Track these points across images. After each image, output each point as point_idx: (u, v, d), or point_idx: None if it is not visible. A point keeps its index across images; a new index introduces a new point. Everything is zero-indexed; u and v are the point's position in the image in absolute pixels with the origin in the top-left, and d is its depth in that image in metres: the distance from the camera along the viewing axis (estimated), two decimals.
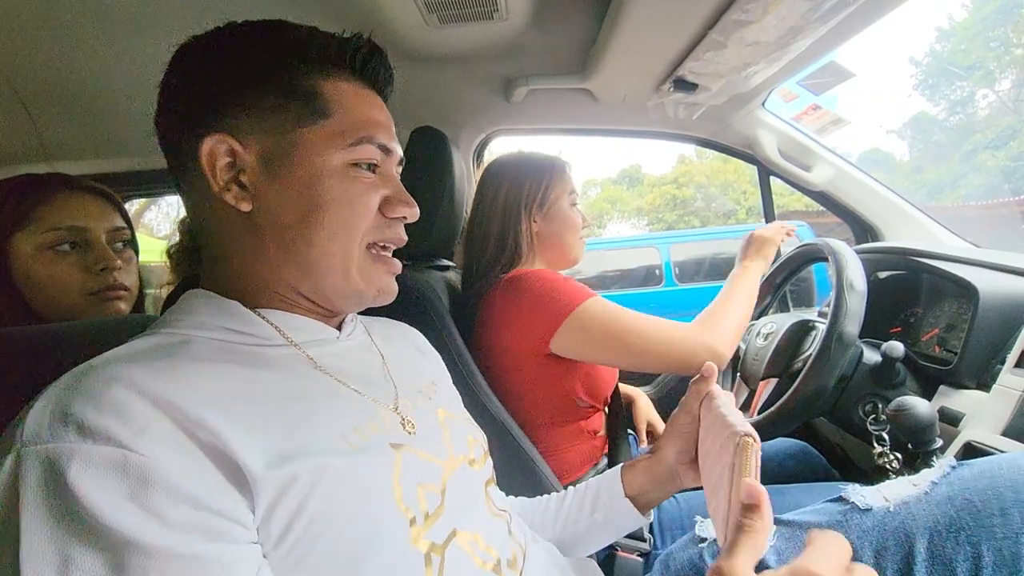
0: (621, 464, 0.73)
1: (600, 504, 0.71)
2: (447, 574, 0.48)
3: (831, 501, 0.66)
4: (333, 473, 0.44)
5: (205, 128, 0.51)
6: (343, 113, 0.54)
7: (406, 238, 0.61)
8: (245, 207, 0.52)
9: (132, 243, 1.00)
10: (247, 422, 0.43)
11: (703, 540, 0.70)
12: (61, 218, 0.88)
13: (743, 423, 0.51)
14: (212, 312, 0.52)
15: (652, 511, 0.72)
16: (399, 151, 0.60)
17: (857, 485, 0.65)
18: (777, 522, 0.65)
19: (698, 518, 0.73)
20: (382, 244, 0.58)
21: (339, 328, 0.61)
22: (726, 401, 0.59)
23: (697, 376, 0.65)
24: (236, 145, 0.52)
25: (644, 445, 1.33)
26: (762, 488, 0.41)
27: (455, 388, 0.76)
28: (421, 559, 0.47)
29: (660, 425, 1.41)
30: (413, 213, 0.59)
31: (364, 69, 0.58)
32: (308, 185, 0.52)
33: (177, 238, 1.13)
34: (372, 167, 0.56)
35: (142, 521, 0.36)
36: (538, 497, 0.77)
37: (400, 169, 0.62)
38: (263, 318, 0.53)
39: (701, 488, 0.62)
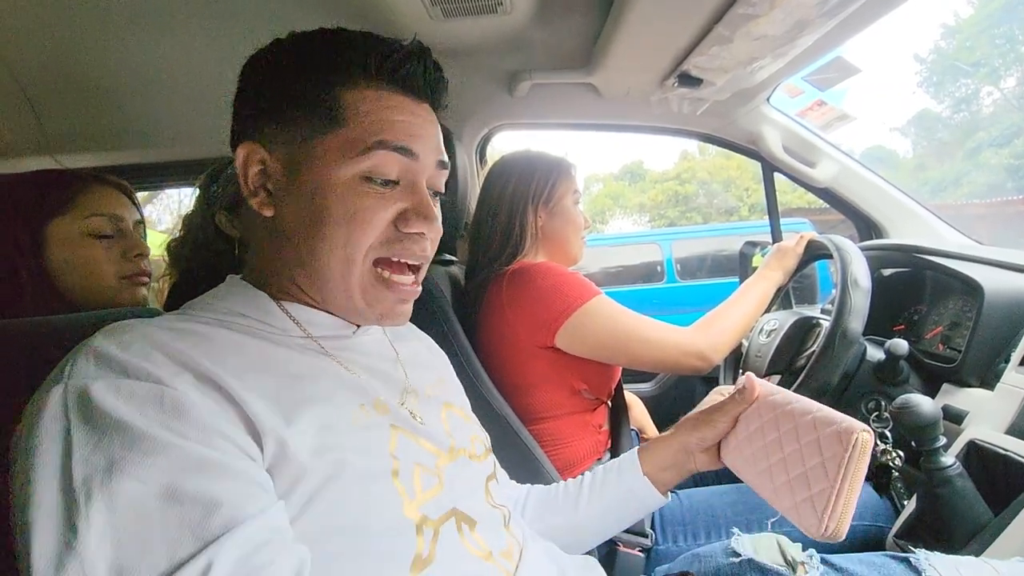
0: (636, 447, 0.75)
1: (623, 480, 0.73)
2: (440, 548, 0.50)
3: (894, 559, 0.67)
4: (335, 444, 0.47)
5: (242, 137, 0.56)
6: (357, 121, 0.53)
7: (427, 254, 0.58)
8: (267, 212, 0.55)
9: (145, 238, 1.04)
10: (257, 388, 0.46)
11: (737, 555, 0.71)
12: (101, 207, 0.94)
13: (851, 419, 0.55)
14: (241, 301, 0.55)
15: (668, 494, 0.74)
16: (432, 156, 0.57)
17: (927, 552, 0.65)
18: (824, 562, 0.66)
19: (735, 531, 0.74)
20: (395, 260, 0.56)
21: (357, 326, 0.62)
22: (806, 401, 0.62)
23: (740, 387, 0.68)
24: (264, 153, 0.55)
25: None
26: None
27: (460, 385, 0.77)
28: (412, 528, 0.49)
29: (651, 431, 1.43)
30: (433, 229, 0.56)
31: (394, 76, 0.55)
32: (314, 196, 0.53)
33: (179, 233, 1.14)
34: (388, 182, 0.54)
35: (176, 437, 0.39)
36: (553, 484, 0.79)
37: (443, 175, 0.60)
38: (286, 312, 0.56)
39: (712, 469, 0.71)
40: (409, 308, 0.60)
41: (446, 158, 0.60)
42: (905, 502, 0.93)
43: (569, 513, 0.73)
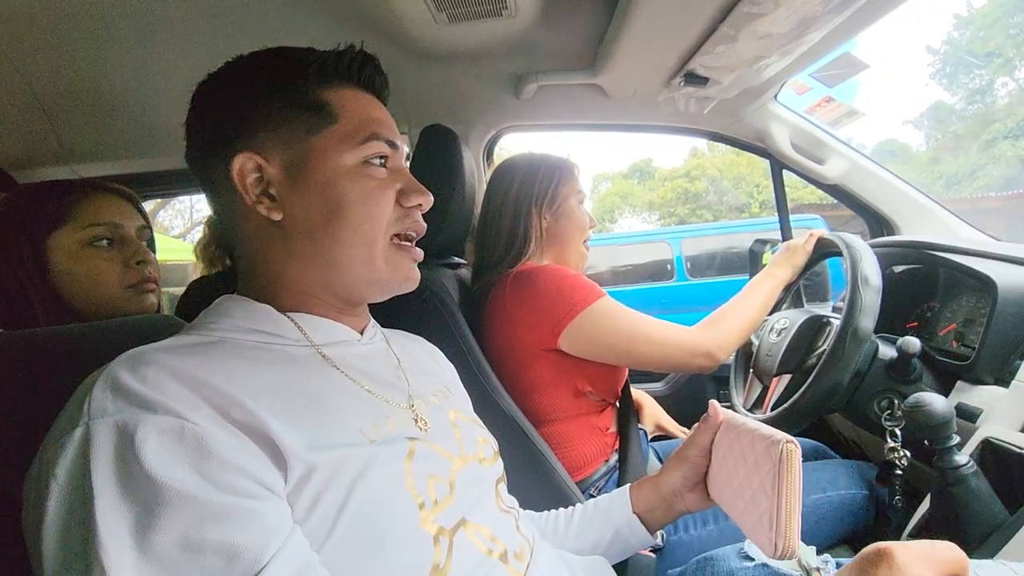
0: (628, 484, 0.75)
1: (610, 519, 0.73)
2: (455, 556, 0.51)
3: None
4: (352, 462, 0.47)
5: (232, 150, 0.56)
6: (348, 116, 0.58)
7: (425, 224, 0.64)
8: (276, 216, 0.56)
9: (152, 242, 1.04)
10: (276, 411, 0.46)
11: (750, 559, 0.71)
12: (99, 215, 0.93)
13: (780, 433, 0.54)
14: (244, 316, 0.56)
15: (659, 533, 0.73)
16: (404, 146, 0.64)
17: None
18: (838, 567, 0.65)
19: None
20: (405, 235, 0.61)
21: (361, 332, 0.64)
22: (752, 421, 0.61)
23: (704, 415, 0.68)
24: (261, 160, 0.56)
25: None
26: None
27: (466, 392, 0.78)
28: (430, 540, 0.49)
29: (670, 425, 1.43)
30: (428, 200, 0.62)
31: (361, 76, 0.61)
32: (327, 187, 0.56)
33: (195, 236, 1.17)
34: (383, 161, 0.60)
35: (198, 480, 0.40)
36: (544, 512, 0.78)
37: (408, 164, 0.65)
38: (292, 320, 0.57)
39: (702, 510, 0.71)
40: (418, 272, 0.64)
41: (407, 148, 0.66)
42: (896, 499, 0.93)
43: (558, 545, 0.73)
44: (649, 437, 1.38)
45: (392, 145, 0.61)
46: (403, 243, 0.62)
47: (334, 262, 0.57)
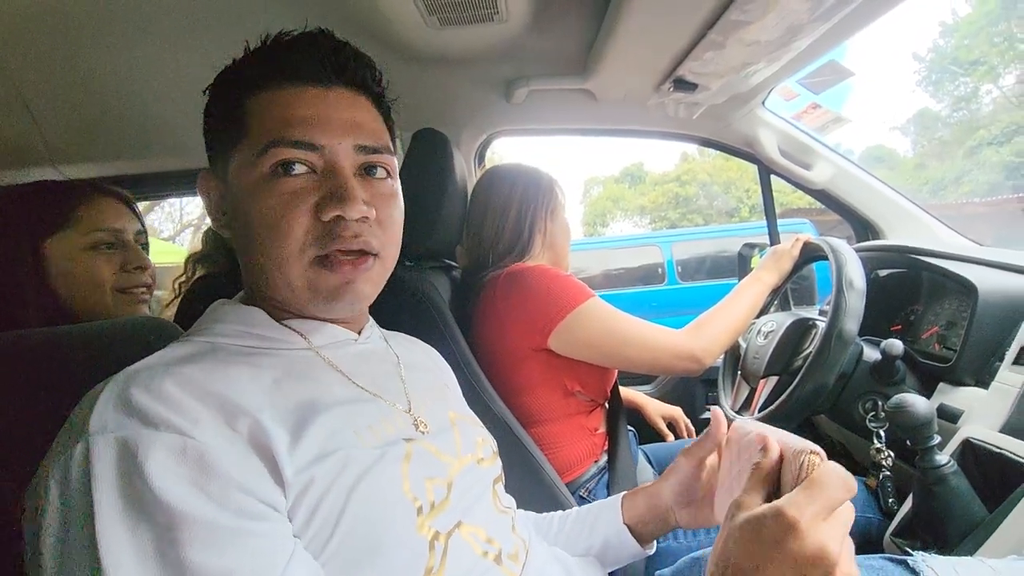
0: (623, 492, 0.73)
1: (598, 529, 0.71)
2: (449, 559, 0.51)
3: (892, 561, 0.67)
4: (350, 468, 0.47)
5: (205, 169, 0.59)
6: (257, 125, 0.53)
7: (363, 238, 0.54)
8: (226, 233, 0.58)
9: (147, 247, 1.04)
10: (277, 422, 0.46)
11: None
12: (102, 220, 0.94)
13: (803, 442, 0.48)
14: (236, 321, 0.56)
15: (654, 543, 0.71)
16: (346, 140, 0.54)
17: (925, 553, 0.66)
18: None
19: None
20: (336, 252, 0.53)
21: (359, 333, 0.63)
22: (782, 433, 0.55)
23: (707, 428, 0.63)
24: (216, 179, 0.58)
25: (670, 439, 1.41)
26: (768, 434, 0.48)
27: (461, 394, 0.78)
28: (425, 545, 0.49)
29: (676, 413, 1.45)
30: (350, 210, 0.52)
31: (285, 70, 0.54)
32: (239, 206, 0.54)
33: (185, 238, 1.15)
34: (288, 168, 0.52)
35: (199, 500, 0.39)
36: (543, 514, 0.78)
37: (380, 157, 0.57)
38: (287, 326, 0.56)
39: (700, 528, 0.66)
40: (362, 288, 0.55)
41: (371, 141, 0.56)
42: (891, 500, 0.94)
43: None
44: (665, 432, 1.42)
45: (305, 147, 0.52)
46: (336, 260, 0.53)
47: (263, 281, 0.55)
